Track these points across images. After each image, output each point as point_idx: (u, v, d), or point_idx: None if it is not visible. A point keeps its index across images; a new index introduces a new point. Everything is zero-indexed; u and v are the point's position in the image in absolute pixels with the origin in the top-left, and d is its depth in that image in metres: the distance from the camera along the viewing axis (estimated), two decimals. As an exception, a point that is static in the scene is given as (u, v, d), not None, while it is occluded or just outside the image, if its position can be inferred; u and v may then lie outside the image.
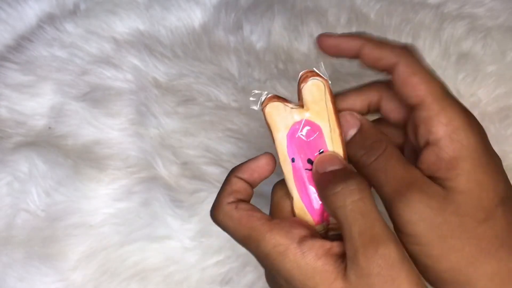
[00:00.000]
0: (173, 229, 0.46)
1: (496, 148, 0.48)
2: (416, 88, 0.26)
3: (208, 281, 0.44)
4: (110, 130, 0.53)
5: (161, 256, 0.45)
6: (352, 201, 0.24)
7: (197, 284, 0.44)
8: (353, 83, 0.53)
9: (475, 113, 0.53)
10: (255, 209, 0.27)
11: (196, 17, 0.62)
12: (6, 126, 0.55)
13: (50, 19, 0.63)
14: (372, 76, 0.56)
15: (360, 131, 0.28)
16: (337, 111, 0.28)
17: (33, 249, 0.46)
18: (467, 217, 0.24)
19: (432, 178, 0.26)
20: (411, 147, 0.29)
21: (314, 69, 0.28)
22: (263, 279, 0.44)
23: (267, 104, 0.28)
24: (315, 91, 0.28)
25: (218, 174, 0.49)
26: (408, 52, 0.27)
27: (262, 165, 0.29)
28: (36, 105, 0.56)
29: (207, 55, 0.58)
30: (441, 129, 0.25)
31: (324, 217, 0.29)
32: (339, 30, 0.58)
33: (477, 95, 0.52)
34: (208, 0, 0.63)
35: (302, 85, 0.28)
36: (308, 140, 0.28)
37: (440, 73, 0.54)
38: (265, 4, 0.62)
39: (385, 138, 0.28)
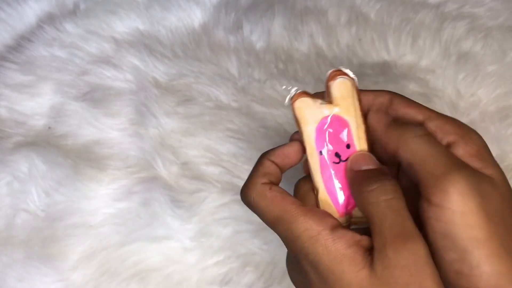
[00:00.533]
0: (173, 229, 0.46)
1: (496, 148, 0.48)
2: (420, 110, 0.29)
3: (208, 281, 0.44)
4: (110, 130, 0.53)
5: (161, 256, 0.45)
6: (386, 199, 0.25)
7: (197, 284, 0.44)
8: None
9: (475, 113, 0.53)
10: (288, 193, 0.28)
11: (196, 17, 0.62)
12: (6, 126, 0.55)
13: (50, 19, 0.63)
14: (372, 76, 0.56)
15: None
16: (363, 110, 0.29)
17: (33, 249, 0.46)
18: (509, 202, 0.25)
19: None
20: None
21: (342, 68, 0.29)
22: (263, 279, 0.44)
23: (297, 99, 0.29)
24: (343, 88, 0.29)
25: (218, 174, 0.49)
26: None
27: (293, 151, 0.30)
28: (36, 105, 0.56)
29: (207, 55, 0.58)
30: (458, 129, 0.27)
31: (347, 210, 0.29)
32: (339, 30, 0.58)
33: (477, 95, 0.52)
34: (208, 0, 0.63)
35: (330, 82, 0.29)
36: (337, 134, 0.29)
37: (440, 73, 0.54)
38: (265, 4, 0.62)
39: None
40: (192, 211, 0.47)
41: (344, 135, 0.29)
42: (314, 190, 0.30)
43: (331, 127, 0.29)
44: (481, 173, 0.25)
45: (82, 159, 0.51)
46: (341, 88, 0.29)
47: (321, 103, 0.29)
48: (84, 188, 0.49)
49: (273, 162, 0.29)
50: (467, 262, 0.23)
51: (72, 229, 0.47)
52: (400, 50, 0.56)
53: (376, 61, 0.56)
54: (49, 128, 0.54)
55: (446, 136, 0.27)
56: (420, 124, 0.28)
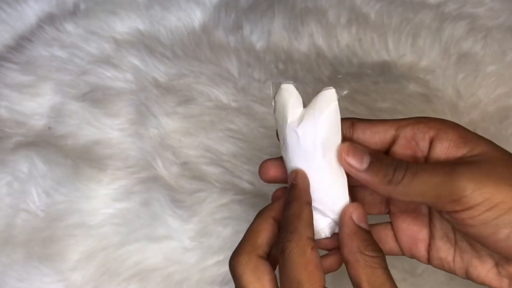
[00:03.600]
0: (173, 229, 0.46)
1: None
2: (387, 124, 0.29)
3: (208, 282, 0.44)
4: (110, 130, 0.53)
5: (161, 256, 0.45)
6: (384, 267, 0.26)
7: (197, 284, 0.44)
8: (353, 83, 0.53)
9: (475, 113, 0.54)
10: (273, 276, 0.27)
11: (196, 17, 0.62)
12: (6, 126, 0.55)
13: (50, 19, 0.63)
14: (372, 76, 0.56)
15: (374, 157, 0.28)
16: None
17: (33, 249, 0.46)
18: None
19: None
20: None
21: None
22: (263, 279, 0.44)
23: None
24: None
25: (218, 174, 0.49)
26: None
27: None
28: (36, 105, 0.56)
29: (207, 55, 0.58)
30: (433, 124, 0.28)
31: None
32: (339, 30, 0.58)
33: (477, 95, 0.52)
34: (208, 0, 0.63)
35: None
36: None
37: (440, 73, 0.54)
38: (265, 4, 0.62)
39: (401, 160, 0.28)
40: (192, 211, 0.47)
41: None
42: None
43: None
44: (473, 157, 0.27)
45: (82, 159, 0.51)
46: None
47: None
48: (84, 188, 0.49)
49: (275, 220, 0.29)
50: None
51: (72, 229, 0.47)
52: (400, 50, 0.56)
53: (376, 61, 0.56)
54: (49, 128, 0.54)
55: (426, 133, 0.28)
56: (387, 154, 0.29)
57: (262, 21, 0.60)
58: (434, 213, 0.31)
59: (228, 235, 0.46)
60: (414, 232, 0.32)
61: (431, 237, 0.31)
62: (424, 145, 0.28)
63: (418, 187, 0.26)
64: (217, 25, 0.61)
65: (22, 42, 0.61)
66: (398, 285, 0.34)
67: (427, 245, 0.31)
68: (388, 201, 0.33)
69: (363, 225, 0.28)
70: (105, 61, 0.58)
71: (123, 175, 0.50)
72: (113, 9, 0.62)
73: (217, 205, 0.47)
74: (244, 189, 0.48)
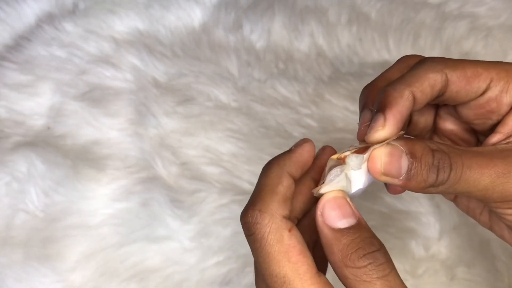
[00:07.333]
0: (173, 229, 0.46)
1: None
2: (481, 78, 0.25)
3: (208, 282, 0.44)
4: (109, 130, 0.53)
5: (161, 257, 0.45)
6: (382, 276, 0.20)
7: (197, 285, 0.44)
8: (354, 83, 0.53)
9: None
10: (306, 246, 0.22)
11: (195, 16, 0.62)
12: (5, 126, 0.54)
13: (49, 19, 0.63)
14: (373, 75, 0.55)
15: (413, 157, 0.23)
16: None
17: (32, 250, 0.46)
18: None
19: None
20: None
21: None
22: (263, 280, 0.44)
23: None
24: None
25: (218, 174, 0.49)
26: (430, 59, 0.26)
27: (309, 156, 0.24)
28: (35, 105, 0.56)
29: (207, 55, 0.58)
30: None
31: None
32: (340, 30, 0.58)
33: (478, 95, 0.52)
34: (208, -1, 0.63)
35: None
36: None
37: (441, 72, 0.54)
38: (265, 3, 0.61)
39: (438, 144, 0.23)
40: (192, 212, 0.47)
41: None
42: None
43: None
44: None
45: (81, 159, 0.51)
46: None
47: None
48: (83, 189, 0.49)
49: (293, 177, 0.23)
50: None
51: (71, 229, 0.47)
52: (401, 50, 0.56)
53: (377, 61, 0.55)
54: (48, 128, 0.54)
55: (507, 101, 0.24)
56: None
57: (262, 20, 0.59)
58: None
59: (228, 235, 0.46)
60: None
61: None
62: (504, 109, 0.25)
63: (463, 188, 0.22)
64: (217, 25, 0.60)
65: (21, 41, 0.61)
66: (399, 286, 0.33)
67: None
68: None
69: (341, 223, 0.21)
70: (105, 60, 0.58)
71: (122, 175, 0.50)
72: (112, 8, 0.62)
73: (217, 205, 0.47)
74: (244, 189, 0.48)
